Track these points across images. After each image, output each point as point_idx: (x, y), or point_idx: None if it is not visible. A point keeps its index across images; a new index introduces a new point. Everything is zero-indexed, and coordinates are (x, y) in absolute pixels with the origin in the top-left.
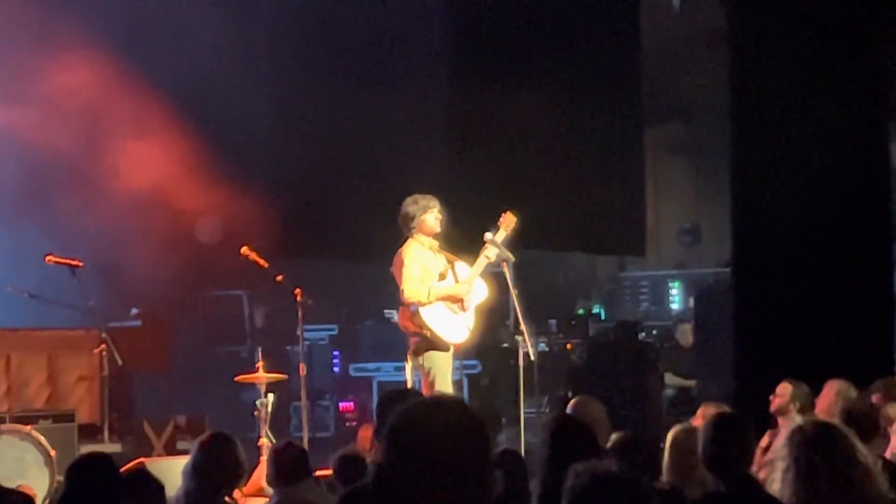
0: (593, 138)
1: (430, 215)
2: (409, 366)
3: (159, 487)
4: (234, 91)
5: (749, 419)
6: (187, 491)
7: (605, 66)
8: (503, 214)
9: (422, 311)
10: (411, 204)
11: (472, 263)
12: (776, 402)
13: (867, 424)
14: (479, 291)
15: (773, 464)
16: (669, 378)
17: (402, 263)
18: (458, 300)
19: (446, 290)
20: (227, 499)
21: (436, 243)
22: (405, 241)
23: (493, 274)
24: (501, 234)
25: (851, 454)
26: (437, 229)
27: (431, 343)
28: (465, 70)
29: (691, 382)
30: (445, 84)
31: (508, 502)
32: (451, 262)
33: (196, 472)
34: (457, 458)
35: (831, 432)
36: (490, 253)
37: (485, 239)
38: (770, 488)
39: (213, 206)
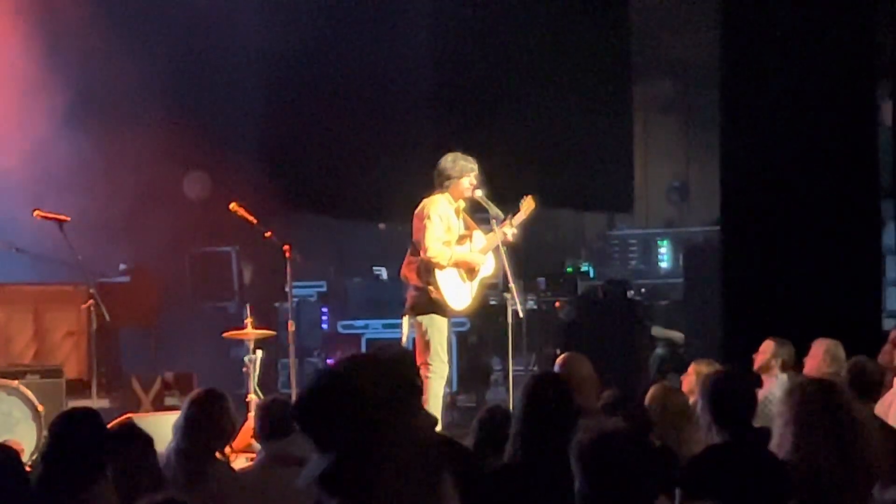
0: (581, 95)
1: (465, 180)
2: (405, 321)
3: (147, 441)
4: (224, 45)
5: (749, 375)
6: (178, 447)
7: (593, 22)
8: (524, 198)
9: (437, 271)
10: (450, 163)
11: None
12: (759, 360)
13: (872, 382)
14: (487, 264)
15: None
16: (656, 331)
17: (426, 217)
18: (471, 269)
19: (465, 257)
20: (218, 455)
21: (462, 205)
22: (432, 192)
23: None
24: (520, 217)
25: (849, 413)
26: (468, 195)
27: (432, 304)
28: (452, 26)
29: (678, 334)
30: (433, 39)
31: (495, 458)
32: (469, 229)
33: (188, 429)
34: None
35: (831, 390)
36: (508, 231)
37: (493, 217)
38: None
39: (201, 161)
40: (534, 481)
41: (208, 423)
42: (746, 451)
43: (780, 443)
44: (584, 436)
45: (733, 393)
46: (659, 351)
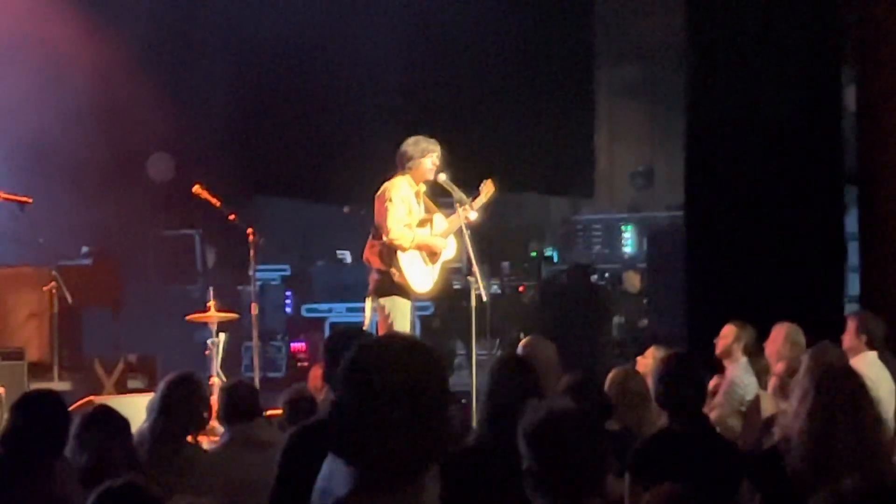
0: (545, 79)
1: (427, 160)
2: (368, 304)
3: (124, 424)
4: (189, 27)
5: (700, 358)
6: (153, 428)
7: (557, 6)
8: (484, 182)
9: (400, 254)
10: (412, 145)
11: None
12: (721, 345)
13: None
14: (449, 248)
15: (722, 406)
16: (617, 319)
17: (388, 199)
18: (433, 252)
19: (427, 240)
20: (190, 439)
21: (423, 188)
22: (393, 175)
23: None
24: (480, 200)
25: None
26: (430, 177)
27: (395, 286)
28: (418, 11)
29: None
30: (399, 25)
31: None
32: (429, 213)
33: (162, 411)
34: (415, 395)
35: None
36: (471, 215)
37: (456, 200)
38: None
39: (165, 143)
40: (500, 463)
41: (184, 406)
42: (693, 434)
43: (793, 418)
44: (532, 415)
45: (678, 377)
46: (621, 335)
